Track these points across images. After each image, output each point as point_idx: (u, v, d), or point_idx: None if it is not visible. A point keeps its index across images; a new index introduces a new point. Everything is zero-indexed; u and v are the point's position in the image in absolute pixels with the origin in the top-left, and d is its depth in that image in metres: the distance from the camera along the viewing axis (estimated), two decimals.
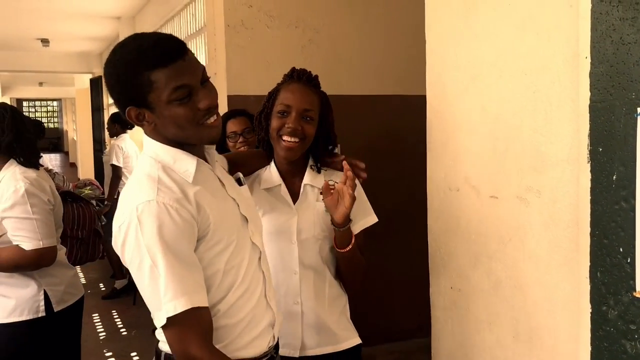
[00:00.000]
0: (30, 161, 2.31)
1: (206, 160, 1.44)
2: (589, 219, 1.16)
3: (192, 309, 1.22)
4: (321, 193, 1.75)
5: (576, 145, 1.23)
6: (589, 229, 1.16)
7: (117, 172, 5.65)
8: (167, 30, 6.64)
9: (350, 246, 1.73)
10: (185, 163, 1.36)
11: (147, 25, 7.28)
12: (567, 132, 1.28)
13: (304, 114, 1.74)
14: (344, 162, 1.72)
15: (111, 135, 6.02)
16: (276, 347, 1.52)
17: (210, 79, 1.37)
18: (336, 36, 3.54)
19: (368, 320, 3.69)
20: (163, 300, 1.23)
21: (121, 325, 4.73)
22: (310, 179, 1.81)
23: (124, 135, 5.83)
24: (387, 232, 3.73)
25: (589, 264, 1.17)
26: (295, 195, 1.80)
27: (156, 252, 1.23)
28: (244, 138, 2.61)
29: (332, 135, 1.88)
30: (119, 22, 7.99)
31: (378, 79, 3.64)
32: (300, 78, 1.80)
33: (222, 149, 2.52)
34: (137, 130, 8.07)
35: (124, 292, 5.43)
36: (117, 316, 4.95)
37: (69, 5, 7.00)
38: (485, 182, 1.56)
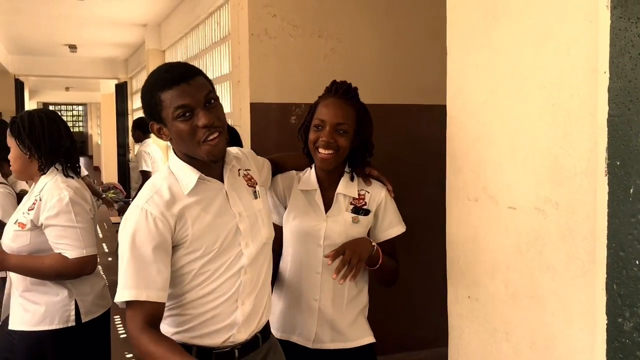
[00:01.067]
0: (73, 169, 2.32)
1: (222, 174, 1.65)
2: (605, 231, 1.17)
3: (137, 301, 1.47)
4: (351, 203, 1.95)
5: (594, 158, 1.24)
6: (605, 241, 1.17)
7: (147, 176, 5.72)
8: (191, 37, 6.75)
9: (378, 265, 1.89)
10: (187, 177, 1.58)
11: (172, 33, 7.40)
12: (585, 145, 1.29)
13: (338, 127, 1.88)
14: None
15: (136, 141, 6.13)
16: (243, 346, 1.66)
17: (218, 100, 1.59)
18: (358, 45, 3.57)
19: (385, 329, 3.71)
20: (119, 286, 1.49)
21: (122, 332, 4.78)
22: (344, 188, 1.96)
23: (147, 141, 5.94)
24: (405, 241, 3.74)
25: (605, 275, 1.18)
26: (327, 202, 1.96)
27: (125, 248, 1.50)
28: None
29: (369, 145, 2.05)
30: (145, 29, 8.14)
31: (399, 88, 3.66)
32: (337, 92, 1.95)
33: None
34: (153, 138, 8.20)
35: None
36: (119, 322, 5.00)
37: (97, 12, 7.15)
38: (503, 193, 1.58)
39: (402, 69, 3.66)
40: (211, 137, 1.53)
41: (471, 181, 1.72)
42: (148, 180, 1.66)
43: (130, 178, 6.31)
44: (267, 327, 1.77)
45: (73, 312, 2.25)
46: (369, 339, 2.01)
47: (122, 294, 1.48)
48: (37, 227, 2.18)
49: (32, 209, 2.18)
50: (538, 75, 1.43)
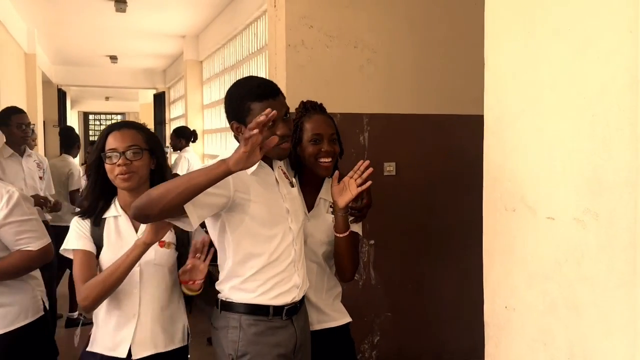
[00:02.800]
0: None
1: (271, 165, 2.04)
2: None
3: None
4: (331, 206, 2.19)
5: (634, 169, 1.24)
6: None
7: None
8: (229, 48, 6.86)
9: (347, 233, 2.14)
10: None
11: (210, 44, 7.53)
12: (625, 155, 1.29)
13: (331, 137, 2.18)
14: (359, 164, 2.12)
15: (174, 149, 6.21)
16: (300, 302, 2.07)
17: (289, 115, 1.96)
18: (394, 56, 3.60)
19: (420, 340, 3.70)
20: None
21: None
22: (325, 194, 2.26)
23: (187, 148, 6.04)
24: (442, 251, 3.73)
25: None
26: (309, 204, 2.23)
27: None
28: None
29: (342, 148, 2.30)
30: (184, 40, 8.31)
31: (435, 98, 3.67)
32: (316, 108, 2.24)
33: None
34: (197, 145, 8.31)
35: None
36: None
37: (138, 24, 7.34)
38: (542, 203, 1.57)
39: (438, 79, 3.67)
40: (284, 144, 1.92)
41: (509, 191, 1.72)
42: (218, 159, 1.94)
43: None
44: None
45: (40, 301, 2.38)
46: (347, 319, 2.33)
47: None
48: None
49: None
50: (577, 85, 1.43)
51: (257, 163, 1.85)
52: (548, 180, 1.54)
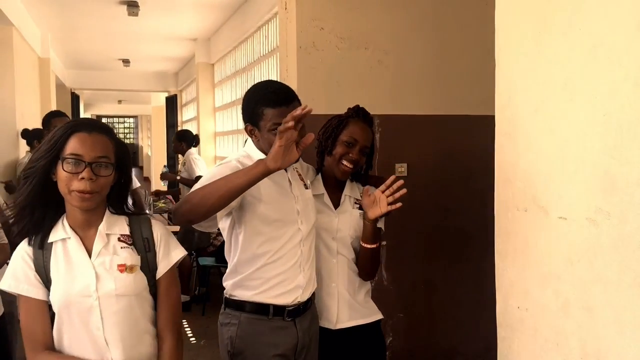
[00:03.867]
0: None
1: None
2: None
3: None
4: (356, 202, 2.27)
5: None
6: None
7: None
8: (240, 51, 6.89)
9: (375, 245, 2.19)
10: None
11: (221, 46, 7.57)
12: (637, 154, 1.28)
13: (364, 149, 2.24)
14: (391, 178, 2.16)
15: (176, 152, 6.19)
16: (305, 303, 2.05)
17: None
18: (404, 57, 3.60)
19: (434, 341, 3.69)
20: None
21: (191, 335, 4.90)
22: (350, 191, 2.32)
23: (192, 150, 6.04)
24: (454, 252, 3.73)
25: None
26: (334, 202, 2.28)
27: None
28: None
29: (371, 163, 2.39)
30: (195, 43, 8.36)
31: (446, 99, 3.67)
32: (365, 117, 2.30)
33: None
34: (202, 149, 8.34)
35: (184, 307, 5.56)
36: (187, 325, 5.14)
37: (150, 28, 7.40)
38: (553, 203, 1.57)
39: (449, 80, 3.66)
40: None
41: (520, 191, 1.71)
42: (226, 159, 2.00)
43: (180, 191, 6.42)
44: (311, 296, 2.13)
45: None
46: (379, 315, 2.33)
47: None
48: None
49: None
50: (589, 85, 1.43)
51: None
52: (560, 180, 1.54)
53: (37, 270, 1.56)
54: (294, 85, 3.48)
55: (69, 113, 10.42)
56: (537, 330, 1.65)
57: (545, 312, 1.62)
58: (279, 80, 2.04)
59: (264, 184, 1.94)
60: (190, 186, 5.59)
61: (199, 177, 5.85)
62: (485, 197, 2.05)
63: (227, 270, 2.06)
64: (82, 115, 14.70)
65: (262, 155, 1.94)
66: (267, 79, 2.27)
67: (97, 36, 8.08)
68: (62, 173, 1.52)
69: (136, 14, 6.31)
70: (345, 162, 2.21)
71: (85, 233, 1.60)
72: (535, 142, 1.64)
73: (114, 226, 1.62)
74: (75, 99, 11.60)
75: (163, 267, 1.66)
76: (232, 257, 2.03)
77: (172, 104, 12.15)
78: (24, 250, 1.59)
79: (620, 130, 1.34)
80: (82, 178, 1.51)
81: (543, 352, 1.63)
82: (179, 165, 6.40)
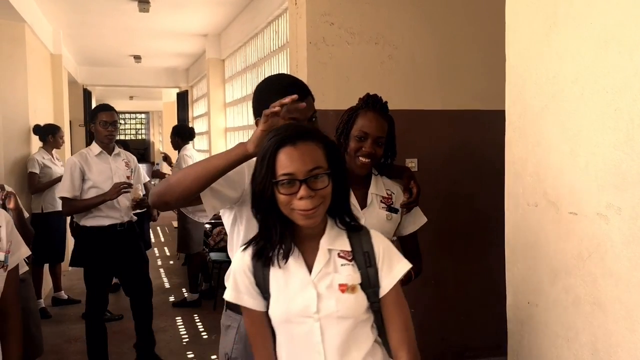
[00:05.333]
0: None
1: None
2: None
3: None
4: (382, 201, 2.19)
5: None
6: None
7: None
8: (250, 46, 6.90)
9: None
10: None
11: (232, 42, 7.58)
12: None
13: (378, 140, 2.13)
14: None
15: (174, 148, 6.16)
16: None
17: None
18: (415, 52, 3.59)
19: (443, 337, 3.69)
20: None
21: (202, 330, 4.93)
22: (375, 189, 2.21)
23: (187, 147, 6.00)
24: (465, 247, 3.72)
25: None
26: (360, 201, 2.17)
27: None
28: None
29: (394, 151, 2.27)
30: (206, 39, 8.37)
31: (456, 94, 3.65)
32: (375, 106, 2.18)
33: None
34: (197, 143, 8.37)
35: (193, 304, 5.58)
36: (198, 320, 5.17)
37: (161, 24, 7.42)
38: (564, 198, 1.56)
39: (460, 74, 3.65)
40: None
41: (531, 187, 1.71)
42: None
43: None
44: None
45: None
46: None
47: None
48: None
49: None
50: (600, 80, 1.42)
51: None
52: (570, 175, 1.54)
53: (257, 283, 1.49)
54: (304, 80, 3.47)
55: (81, 109, 10.50)
56: (547, 326, 1.65)
57: (556, 308, 1.61)
58: (307, 87, 1.94)
59: None
60: None
61: None
62: (496, 193, 2.04)
63: (229, 269, 1.99)
64: None
65: None
66: (279, 73, 2.08)
67: (108, 33, 8.12)
68: (280, 196, 1.40)
69: (147, 10, 6.33)
70: (360, 157, 2.14)
71: (306, 246, 1.49)
72: (546, 137, 1.63)
73: (336, 241, 1.49)
74: (87, 95, 11.67)
75: (387, 284, 1.47)
76: (233, 254, 1.90)
77: (183, 99, 12.19)
78: (244, 262, 1.52)
79: (632, 125, 1.33)
80: (301, 198, 1.38)
81: (553, 347, 1.62)
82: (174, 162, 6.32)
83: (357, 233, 1.51)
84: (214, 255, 5.65)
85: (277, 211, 1.43)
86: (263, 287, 1.48)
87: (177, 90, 12.69)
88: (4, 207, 3.03)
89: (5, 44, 5.59)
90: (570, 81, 1.52)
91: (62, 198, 3.73)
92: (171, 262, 7.71)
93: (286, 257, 1.46)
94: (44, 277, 5.59)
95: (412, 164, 3.55)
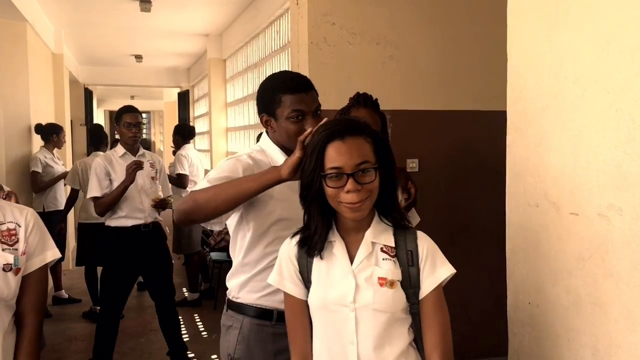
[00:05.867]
0: None
1: None
2: None
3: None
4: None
5: None
6: None
7: (183, 180, 5.61)
8: (252, 46, 6.91)
9: None
10: (277, 156, 1.87)
11: (233, 42, 7.59)
12: None
13: None
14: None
15: (176, 147, 6.11)
16: None
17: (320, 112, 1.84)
18: (416, 52, 3.59)
19: None
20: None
21: (202, 329, 4.93)
22: None
23: (186, 146, 5.97)
24: (465, 247, 3.72)
25: None
26: None
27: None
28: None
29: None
30: (207, 39, 8.37)
31: (457, 95, 3.66)
32: (367, 103, 2.19)
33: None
34: (198, 143, 8.37)
35: (194, 304, 5.58)
36: (199, 320, 5.17)
37: (162, 24, 7.42)
38: (565, 199, 1.57)
39: (461, 75, 3.65)
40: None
41: (532, 187, 1.71)
42: (237, 153, 1.91)
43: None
44: None
45: None
46: None
47: None
48: None
49: None
50: (601, 80, 1.42)
51: (284, 159, 1.84)
52: (571, 175, 1.54)
53: (300, 270, 1.52)
54: None
55: (82, 108, 10.51)
56: (548, 327, 1.65)
57: (557, 308, 1.61)
58: (311, 82, 1.95)
59: None
60: (172, 183, 5.09)
61: (180, 175, 5.76)
62: (497, 193, 2.05)
63: (232, 270, 1.96)
64: (95, 110, 14.77)
65: (277, 149, 1.89)
66: (283, 70, 2.10)
67: (110, 32, 8.12)
68: (328, 189, 1.43)
69: (149, 10, 6.33)
70: None
71: (351, 238, 1.50)
72: (547, 137, 1.63)
73: (380, 235, 1.49)
74: (88, 94, 11.67)
75: (427, 285, 1.45)
76: (237, 255, 1.94)
77: (184, 99, 12.19)
78: (290, 249, 1.55)
79: (633, 126, 1.33)
80: (348, 191, 1.41)
81: (554, 347, 1.62)
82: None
83: (403, 231, 1.51)
84: (214, 255, 5.65)
85: (324, 203, 1.46)
86: (306, 276, 1.51)
87: (178, 90, 12.69)
88: None
89: (7, 43, 5.59)
90: (572, 82, 1.52)
91: (93, 198, 3.73)
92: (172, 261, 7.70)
93: (330, 247, 1.49)
94: None
95: (413, 164, 3.56)
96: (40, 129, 5.66)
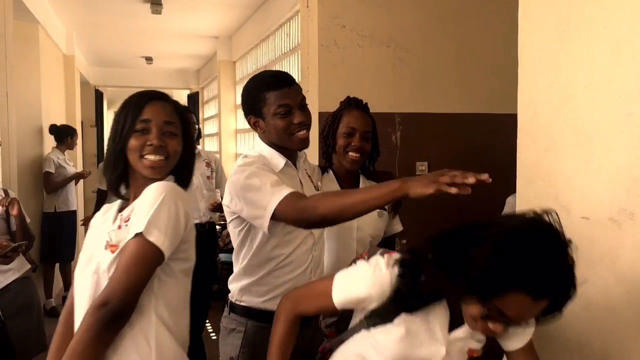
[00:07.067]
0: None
1: (295, 165, 1.96)
2: None
3: None
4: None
5: None
6: None
7: None
8: (261, 48, 6.92)
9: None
10: (277, 160, 1.90)
11: (243, 44, 7.61)
12: None
13: (365, 135, 2.19)
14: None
15: None
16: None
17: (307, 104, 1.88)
18: (426, 55, 3.58)
19: None
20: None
21: (211, 330, 4.93)
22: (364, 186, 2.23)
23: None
24: None
25: None
26: None
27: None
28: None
29: (378, 150, 2.33)
30: (217, 41, 8.40)
31: (467, 97, 3.65)
32: (358, 105, 2.25)
33: None
34: (207, 145, 8.39)
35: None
36: (207, 322, 5.17)
37: (173, 25, 7.46)
38: (576, 203, 1.56)
39: (471, 77, 3.64)
40: (302, 132, 1.85)
41: (542, 191, 1.70)
42: (240, 158, 1.90)
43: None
44: None
45: None
46: None
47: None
48: None
49: None
50: (613, 84, 1.42)
51: (284, 162, 1.90)
52: (582, 179, 1.53)
53: None
54: (315, 83, 3.49)
55: (92, 110, 10.57)
56: (559, 331, 1.64)
57: (567, 313, 1.60)
58: (292, 76, 1.96)
59: None
60: None
61: None
62: (506, 197, 2.04)
63: (235, 273, 1.96)
64: (105, 112, 14.84)
65: (271, 151, 1.90)
66: (262, 70, 2.08)
67: (121, 34, 8.16)
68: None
69: (160, 12, 6.36)
70: (350, 153, 2.18)
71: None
72: (558, 141, 1.63)
73: None
74: (99, 95, 11.75)
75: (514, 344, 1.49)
76: (241, 259, 1.94)
77: (193, 101, 12.22)
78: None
79: None
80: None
81: (564, 352, 1.62)
82: None
83: None
84: (223, 257, 5.66)
85: None
86: None
87: (188, 92, 12.73)
88: (7, 213, 3.06)
89: (19, 45, 5.63)
90: (583, 85, 1.52)
91: None
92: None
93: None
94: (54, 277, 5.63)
95: (422, 167, 3.55)
96: (55, 130, 5.70)
